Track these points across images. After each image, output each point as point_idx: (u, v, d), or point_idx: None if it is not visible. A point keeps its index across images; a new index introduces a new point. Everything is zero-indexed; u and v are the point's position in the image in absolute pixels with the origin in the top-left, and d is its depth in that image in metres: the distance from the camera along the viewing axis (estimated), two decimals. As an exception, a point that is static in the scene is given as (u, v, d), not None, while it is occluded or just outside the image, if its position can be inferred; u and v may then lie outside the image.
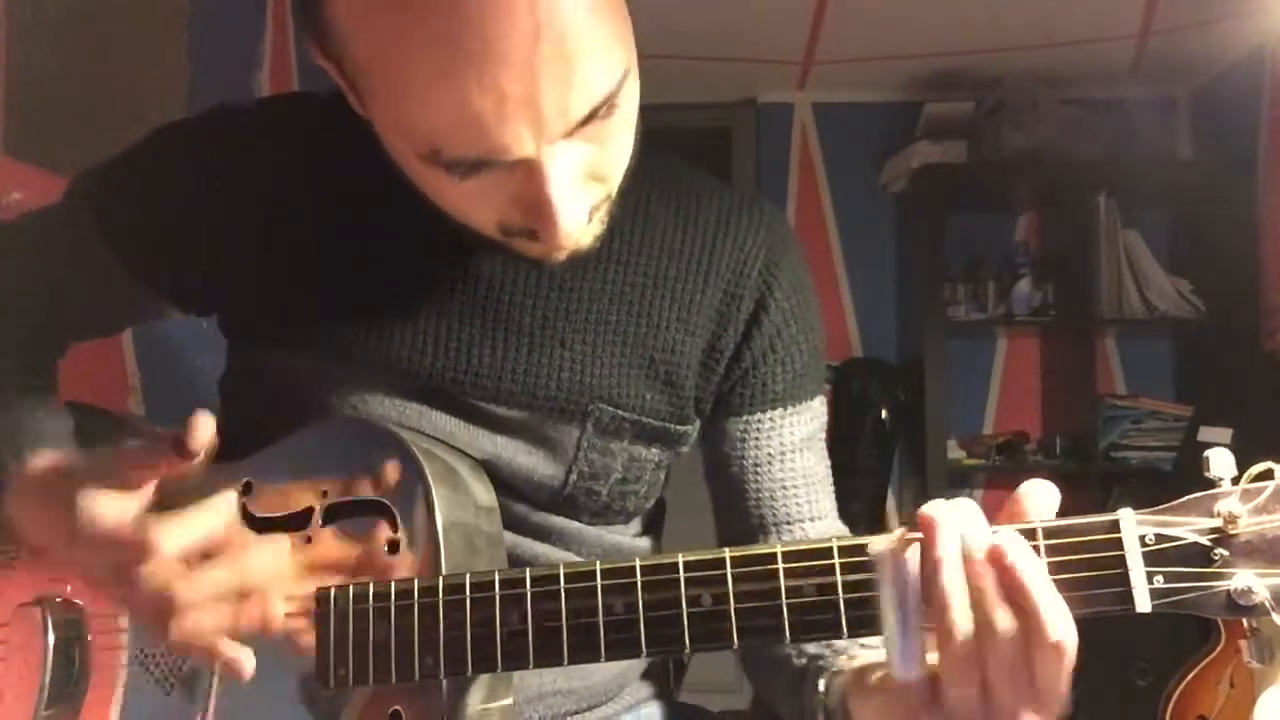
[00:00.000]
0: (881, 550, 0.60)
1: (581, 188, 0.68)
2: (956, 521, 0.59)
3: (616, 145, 0.70)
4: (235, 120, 0.86)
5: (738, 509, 0.91)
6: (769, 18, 2.97)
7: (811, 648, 0.83)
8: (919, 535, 0.60)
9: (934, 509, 0.60)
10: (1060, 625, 0.57)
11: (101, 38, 1.74)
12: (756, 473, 0.89)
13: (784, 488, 0.89)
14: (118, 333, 1.00)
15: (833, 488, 0.93)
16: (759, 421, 0.89)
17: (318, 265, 0.83)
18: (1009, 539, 0.59)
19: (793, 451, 0.90)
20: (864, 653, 0.77)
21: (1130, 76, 3.31)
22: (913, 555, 0.59)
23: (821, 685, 0.76)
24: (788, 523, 0.89)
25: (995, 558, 0.58)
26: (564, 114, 0.63)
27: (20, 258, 0.90)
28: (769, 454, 0.89)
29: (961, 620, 0.58)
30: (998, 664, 0.58)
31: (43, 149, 1.51)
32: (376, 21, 0.61)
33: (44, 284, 0.89)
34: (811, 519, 0.90)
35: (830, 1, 2.92)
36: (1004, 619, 0.57)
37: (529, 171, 0.65)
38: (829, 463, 0.93)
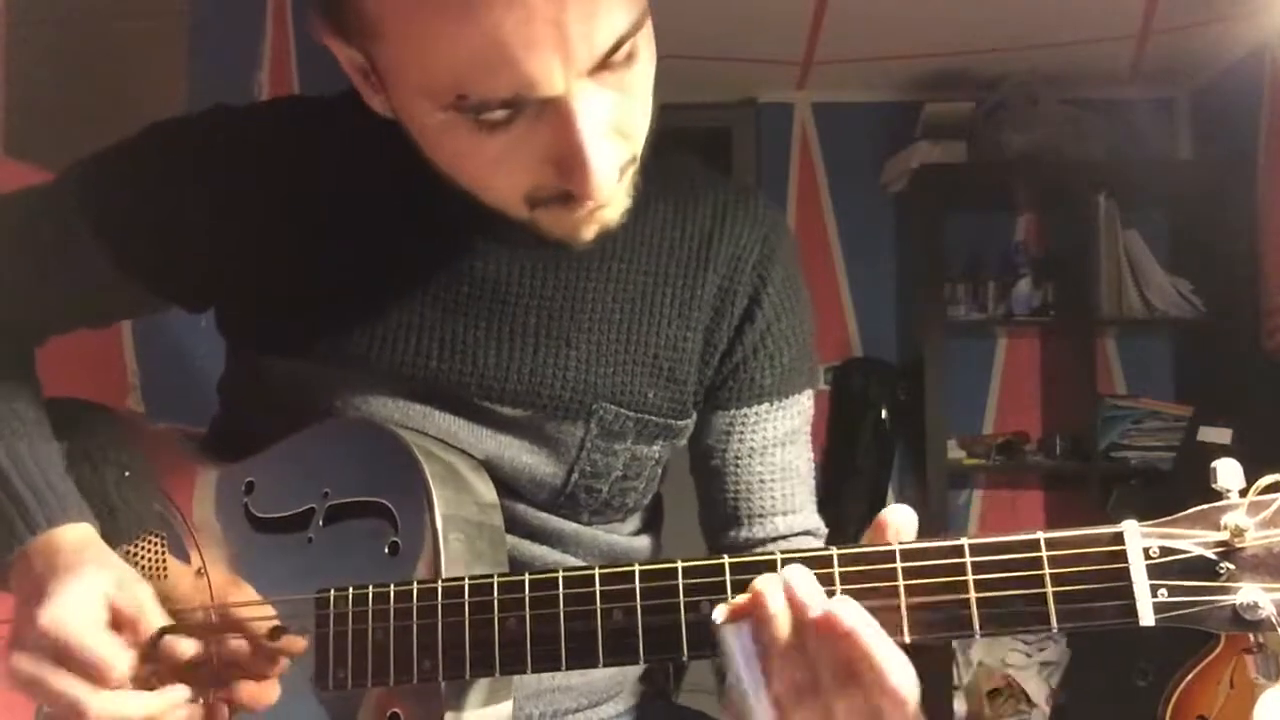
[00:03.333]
0: (719, 621, 0.62)
1: (611, 137, 0.68)
2: (782, 587, 0.61)
3: (638, 99, 0.70)
4: (233, 120, 0.85)
5: (715, 500, 0.91)
6: (769, 18, 2.97)
7: None
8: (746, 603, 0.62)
9: (762, 579, 0.62)
10: (898, 672, 0.59)
11: (101, 38, 1.73)
12: (737, 466, 0.90)
13: (761, 481, 0.90)
14: (106, 324, 0.98)
15: (812, 481, 0.94)
16: (744, 416, 0.89)
17: (317, 268, 0.83)
18: (839, 603, 0.60)
19: (775, 446, 0.90)
20: None
21: (1130, 76, 3.31)
22: (745, 624, 0.61)
23: None
24: (760, 515, 0.90)
25: (829, 622, 0.60)
26: (590, 44, 0.63)
27: (3, 239, 0.88)
28: (751, 448, 0.89)
29: (803, 681, 0.60)
30: (849, 717, 0.60)
31: (43, 149, 1.50)
32: None
33: (25, 268, 0.87)
34: (785, 512, 0.90)
35: (830, 1, 2.91)
36: (846, 679, 0.59)
37: (558, 115, 0.65)
38: (811, 455, 0.94)
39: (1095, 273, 3.17)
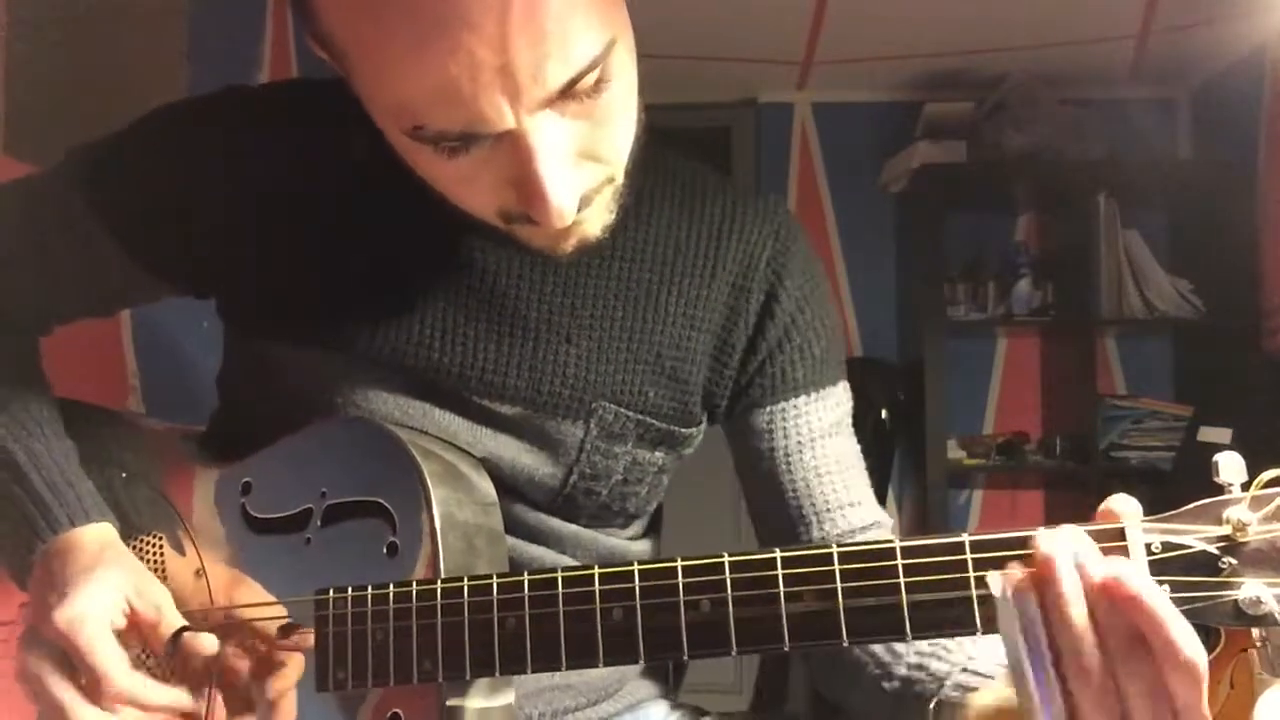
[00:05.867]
0: (1004, 593, 0.57)
1: (573, 166, 0.67)
2: (1072, 553, 0.57)
3: (611, 124, 0.68)
4: (239, 101, 0.85)
5: (774, 503, 0.88)
6: (769, 18, 2.97)
7: (902, 670, 0.81)
8: (1033, 570, 0.57)
9: (1048, 541, 0.58)
10: (1191, 644, 0.54)
11: (101, 37, 1.73)
12: (789, 463, 0.87)
13: (818, 475, 0.87)
14: (110, 312, 0.98)
15: (865, 471, 0.91)
16: (784, 410, 0.88)
17: (321, 253, 0.83)
18: (1121, 566, 0.56)
19: (822, 437, 0.88)
20: (970, 679, 0.75)
21: (1130, 76, 3.31)
22: (1033, 595, 0.56)
23: (930, 714, 0.75)
24: (827, 510, 0.87)
25: (1113, 588, 0.55)
26: (541, 81, 0.62)
27: (5, 225, 0.87)
28: (798, 442, 0.87)
29: (1091, 656, 0.55)
30: (1138, 695, 0.55)
31: (43, 149, 1.50)
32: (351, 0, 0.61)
33: (29, 253, 0.86)
34: (851, 504, 0.88)
35: (830, 1, 2.91)
36: (1133, 648, 0.55)
37: (515, 146, 0.64)
38: (859, 448, 0.92)
39: (1095, 273, 3.17)
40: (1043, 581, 0.57)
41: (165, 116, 0.85)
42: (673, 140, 0.89)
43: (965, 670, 0.76)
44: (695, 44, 3.02)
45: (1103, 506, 0.61)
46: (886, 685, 0.81)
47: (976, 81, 3.27)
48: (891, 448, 3.34)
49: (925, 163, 3.19)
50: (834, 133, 3.54)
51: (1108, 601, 0.56)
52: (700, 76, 3.29)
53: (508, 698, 0.77)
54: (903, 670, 0.80)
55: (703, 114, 3.56)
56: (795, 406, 0.88)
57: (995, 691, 0.73)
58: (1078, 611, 0.56)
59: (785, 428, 0.88)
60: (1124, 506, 0.60)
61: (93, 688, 0.70)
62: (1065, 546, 0.57)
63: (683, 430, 0.88)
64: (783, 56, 3.27)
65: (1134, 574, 0.56)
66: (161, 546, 0.85)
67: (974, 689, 0.74)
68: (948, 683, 0.77)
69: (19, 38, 1.51)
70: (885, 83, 3.43)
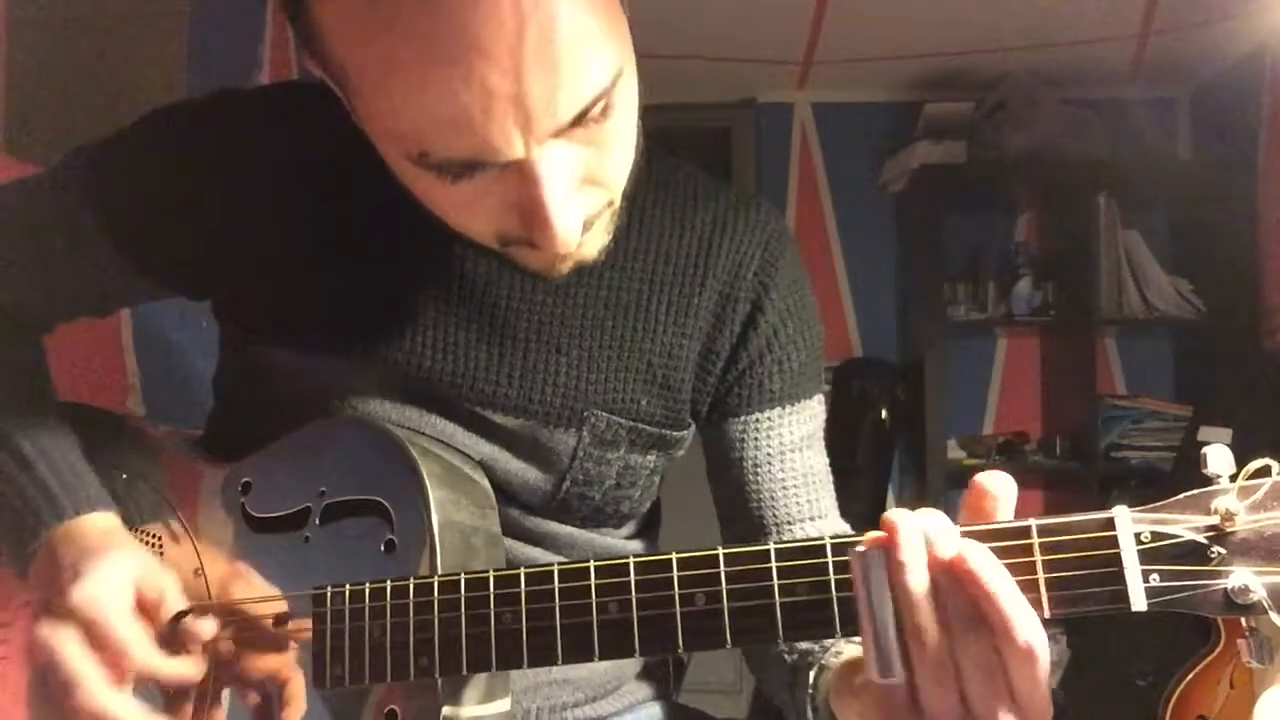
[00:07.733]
0: (853, 552, 0.59)
1: (577, 192, 0.67)
2: (920, 526, 0.58)
3: (614, 149, 0.68)
4: (234, 106, 0.85)
5: (739, 511, 0.90)
6: (769, 18, 2.97)
7: (802, 644, 0.83)
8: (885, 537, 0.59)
9: (894, 512, 0.59)
10: (1026, 629, 0.56)
11: (101, 38, 1.74)
12: (756, 473, 0.89)
13: (784, 487, 0.89)
14: (108, 313, 0.98)
15: (832, 486, 0.93)
16: (757, 421, 0.89)
17: (316, 258, 0.83)
18: (969, 545, 0.58)
19: (792, 450, 0.89)
20: (850, 648, 0.77)
21: (1130, 76, 3.31)
22: (881, 557, 0.58)
23: (811, 679, 0.77)
24: (789, 523, 0.89)
25: (957, 564, 0.57)
26: (553, 112, 0.61)
27: (5, 226, 0.88)
28: (768, 454, 0.89)
29: (929, 625, 0.57)
30: (972, 670, 0.57)
31: (43, 149, 1.51)
32: (361, 24, 0.60)
33: (29, 255, 0.86)
34: (812, 518, 0.89)
35: (830, 1, 2.92)
36: (972, 625, 0.57)
37: (521, 174, 0.64)
38: (828, 461, 0.93)
39: (1095, 273, 3.17)
40: (889, 538, 0.58)
41: (162, 120, 0.85)
42: (673, 140, 0.89)
43: (847, 641, 0.78)
44: (695, 44, 3.03)
45: (975, 483, 0.61)
46: (787, 657, 0.84)
47: (976, 81, 3.27)
48: (891, 448, 3.35)
49: (925, 163, 3.20)
50: (834, 133, 3.54)
51: (949, 576, 0.57)
52: (700, 76, 3.29)
53: (505, 694, 0.77)
54: (803, 643, 0.83)
55: (703, 114, 3.56)
56: (769, 418, 0.88)
57: (856, 649, 0.75)
58: (915, 579, 0.57)
59: (757, 439, 0.89)
60: (995, 484, 0.61)
61: (111, 663, 0.70)
62: (911, 517, 0.59)
63: (674, 433, 0.88)
64: (783, 56, 3.27)
65: (977, 551, 0.57)
66: (161, 545, 0.85)
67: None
68: (831, 650, 0.79)
69: (19, 38, 1.51)
70: (885, 83, 3.43)
